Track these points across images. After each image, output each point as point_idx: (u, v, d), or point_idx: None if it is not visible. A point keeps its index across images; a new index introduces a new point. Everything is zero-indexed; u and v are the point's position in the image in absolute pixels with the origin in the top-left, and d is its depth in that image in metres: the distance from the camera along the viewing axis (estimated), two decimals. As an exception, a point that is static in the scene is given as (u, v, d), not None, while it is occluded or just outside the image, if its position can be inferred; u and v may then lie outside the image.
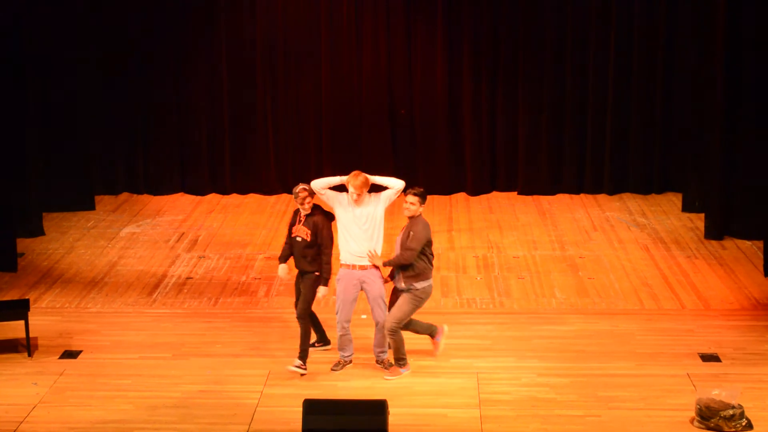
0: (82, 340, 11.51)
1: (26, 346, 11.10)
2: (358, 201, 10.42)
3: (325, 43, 16.53)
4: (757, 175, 13.87)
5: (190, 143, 16.94)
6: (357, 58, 16.59)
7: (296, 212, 10.76)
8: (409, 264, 10.27)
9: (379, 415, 8.78)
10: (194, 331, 11.77)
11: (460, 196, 16.72)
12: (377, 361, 10.73)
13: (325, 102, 16.72)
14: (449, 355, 10.95)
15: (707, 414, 9.44)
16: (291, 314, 10.94)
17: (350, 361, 10.77)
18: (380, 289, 10.54)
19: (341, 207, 10.50)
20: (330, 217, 10.67)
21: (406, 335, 10.58)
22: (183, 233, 15.16)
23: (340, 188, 10.54)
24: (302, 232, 10.61)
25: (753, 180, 14.02)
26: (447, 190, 16.79)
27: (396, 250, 10.45)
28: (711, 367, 10.66)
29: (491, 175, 16.88)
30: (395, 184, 10.56)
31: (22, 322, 11.10)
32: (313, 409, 8.84)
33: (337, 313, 10.61)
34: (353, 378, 10.55)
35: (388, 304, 10.61)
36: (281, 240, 14.74)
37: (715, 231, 14.44)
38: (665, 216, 15.55)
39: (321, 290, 10.64)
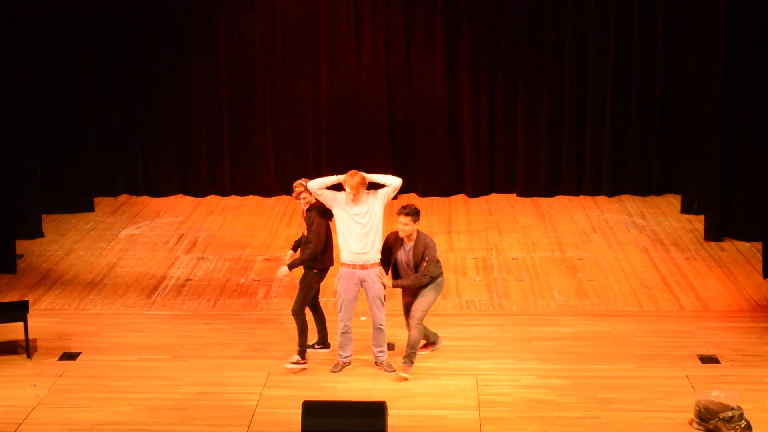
0: (82, 341, 11.51)
1: (25, 348, 11.10)
2: (355, 200, 10.43)
3: (324, 45, 16.53)
4: (756, 176, 13.88)
5: (189, 145, 16.93)
6: (356, 59, 16.58)
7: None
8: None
9: (378, 416, 8.78)
10: (193, 332, 11.77)
11: (460, 198, 16.72)
12: (376, 362, 10.74)
13: (324, 103, 16.72)
14: (448, 357, 10.95)
15: (706, 416, 9.45)
16: (290, 315, 10.93)
17: (349, 363, 10.77)
18: (380, 289, 10.54)
19: (339, 206, 10.50)
20: (326, 214, 10.66)
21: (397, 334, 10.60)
22: (182, 235, 15.16)
23: (339, 188, 10.54)
24: (303, 228, 10.65)
25: (752, 182, 14.02)
26: (446, 191, 16.79)
27: (402, 267, 10.54)
28: (710, 369, 10.67)
29: (490, 176, 16.88)
30: (393, 181, 10.56)
31: (21, 324, 11.10)
32: (312, 410, 8.84)
33: (339, 312, 10.62)
34: (352, 379, 10.56)
35: (403, 305, 10.80)
36: (280, 242, 14.84)
37: (714, 233, 14.45)
38: (664, 218, 15.55)
39: (281, 270, 10.76)
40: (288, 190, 16.80)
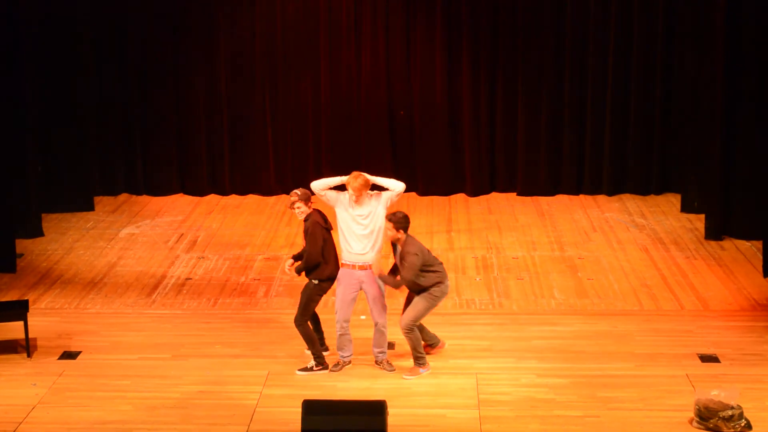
0: (82, 340, 11.51)
1: (25, 347, 11.10)
2: (357, 201, 10.43)
3: (324, 44, 16.53)
4: (756, 175, 13.87)
5: (189, 144, 16.93)
6: (356, 59, 16.59)
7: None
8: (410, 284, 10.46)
9: (378, 415, 8.78)
10: (193, 331, 11.77)
11: (460, 197, 16.72)
12: (376, 362, 10.74)
13: (324, 103, 16.72)
14: (448, 356, 10.95)
15: (706, 414, 9.45)
16: (290, 315, 10.94)
17: (349, 362, 10.78)
18: (379, 290, 10.54)
19: (341, 207, 10.51)
20: (324, 225, 10.61)
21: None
22: (182, 234, 15.16)
23: (342, 188, 10.55)
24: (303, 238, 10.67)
25: (752, 181, 14.02)
26: (446, 190, 16.80)
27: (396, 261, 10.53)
28: (710, 368, 10.67)
29: (490, 175, 16.88)
30: (396, 186, 10.56)
31: (21, 323, 11.10)
32: (312, 409, 8.84)
33: (336, 313, 10.62)
34: (352, 378, 10.56)
35: (404, 304, 10.68)
36: (280, 240, 14.84)
37: (714, 232, 14.45)
38: (664, 217, 15.55)
39: (287, 263, 10.80)
40: (288, 189, 16.85)
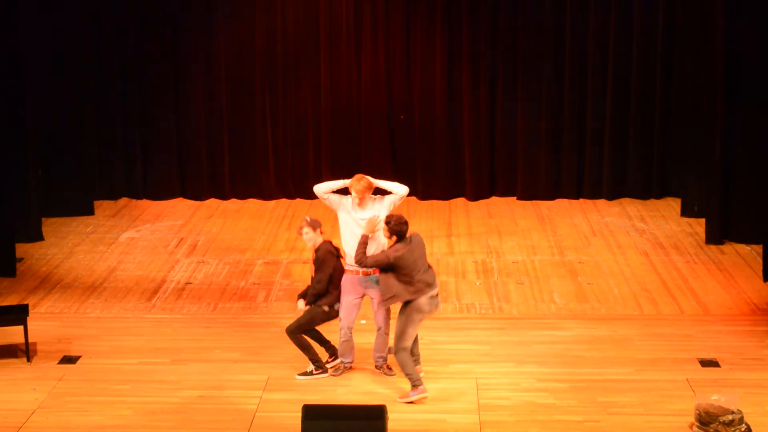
0: (81, 345, 11.50)
1: (25, 352, 11.10)
2: (360, 204, 10.42)
3: (324, 49, 16.54)
4: (756, 179, 13.87)
5: (189, 148, 16.93)
6: (356, 63, 16.59)
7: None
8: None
9: (378, 420, 8.78)
10: (193, 336, 11.77)
11: (459, 201, 16.72)
12: (376, 366, 10.73)
13: (324, 107, 16.72)
14: (448, 361, 10.95)
15: (706, 419, 9.44)
16: (290, 320, 10.93)
17: (350, 367, 10.77)
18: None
19: (344, 211, 10.50)
20: (335, 255, 10.59)
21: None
22: (182, 238, 15.16)
23: (344, 192, 10.55)
24: (311, 268, 10.65)
25: (752, 185, 14.01)
26: (446, 195, 16.80)
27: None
28: (710, 373, 10.66)
29: (490, 180, 16.88)
30: (399, 189, 10.55)
31: (21, 328, 11.09)
32: (312, 414, 8.84)
33: (340, 320, 10.61)
34: (352, 383, 10.55)
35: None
36: (280, 245, 14.84)
37: (714, 236, 14.44)
38: (664, 221, 15.55)
39: (300, 303, 10.66)
40: (288, 193, 16.90)
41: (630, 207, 16.22)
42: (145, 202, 16.82)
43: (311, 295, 10.59)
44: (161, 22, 16.49)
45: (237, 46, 16.62)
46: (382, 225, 10.31)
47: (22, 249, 14.40)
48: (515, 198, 16.74)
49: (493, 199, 16.79)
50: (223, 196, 16.97)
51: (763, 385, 10.39)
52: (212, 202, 16.84)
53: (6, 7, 13.91)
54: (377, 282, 10.36)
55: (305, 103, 16.74)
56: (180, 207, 16.64)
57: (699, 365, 10.82)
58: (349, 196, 10.51)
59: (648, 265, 13.78)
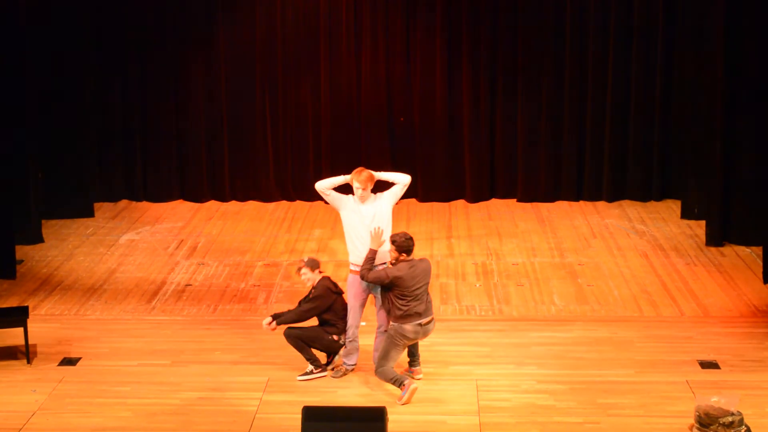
0: (81, 347, 11.50)
1: (25, 353, 11.10)
2: (363, 197, 10.41)
3: (324, 51, 16.54)
4: (756, 182, 13.87)
5: (189, 150, 16.94)
6: (356, 65, 16.60)
7: None
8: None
9: (378, 421, 8.78)
10: (193, 338, 11.77)
11: (460, 203, 16.72)
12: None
13: (324, 109, 16.72)
14: (448, 362, 10.95)
15: (706, 421, 9.44)
16: (290, 321, 10.95)
17: (352, 369, 10.76)
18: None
19: (346, 209, 10.49)
20: (333, 291, 10.62)
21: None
22: (182, 240, 15.16)
23: (346, 191, 10.55)
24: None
25: (752, 187, 14.01)
26: (446, 197, 16.80)
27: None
28: (710, 374, 10.66)
29: (490, 182, 16.88)
30: (402, 179, 10.54)
31: (21, 329, 11.09)
32: (312, 415, 8.84)
33: (348, 319, 10.62)
34: (352, 384, 10.55)
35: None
36: (280, 247, 14.83)
37: (714, 238, 14.45)
38: (664, 223, 15.55)
39: (264, 322, 10.62)
40: (288, 195, 16.90)
41: (630, 209, 16.22)
42: (145, 204, 16.82)
43: (290, 319, 10.58)
44: (161, 22, 16.49)
45: (237, 48, 16.62)
46: (388, 236, 10.36)
47: (22, 251, 14.40)
48: (515, 200, 16.75)
49: (493, 201, 16.79)
50: (223, 198, 16.97)
51: (762, 386, 10.38)
52: (212, 204, 16.85)
53: (7, 8, 13.91)
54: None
55: (305, 104, 16.75)
56: (180, 209, 16.64)
57: (699, 367, 10.82)
58: (350, 194, 10.52)
59: (648, 267, 13.78)
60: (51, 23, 15.46)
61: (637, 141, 16.43)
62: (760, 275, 13.22)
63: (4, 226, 13.53)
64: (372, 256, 10.26)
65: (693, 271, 13.61)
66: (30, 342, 11.15)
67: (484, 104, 16.59)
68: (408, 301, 10.13)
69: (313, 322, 10.74)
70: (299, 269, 10.68)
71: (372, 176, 10.44)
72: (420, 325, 10.21)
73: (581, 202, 16.59)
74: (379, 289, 10.38)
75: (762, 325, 11.85)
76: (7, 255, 13.57)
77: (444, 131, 16.69)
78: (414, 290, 10.14)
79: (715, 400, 9.51)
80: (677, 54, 15.97)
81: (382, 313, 10.54)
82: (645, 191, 16.57)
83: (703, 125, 14.82)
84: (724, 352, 11.15)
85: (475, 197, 16.76)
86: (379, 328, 10.63)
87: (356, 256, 10.47)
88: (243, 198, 16.98)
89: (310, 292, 10.66)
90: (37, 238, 15.00)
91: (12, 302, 12.73)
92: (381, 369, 10.26)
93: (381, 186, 10.62)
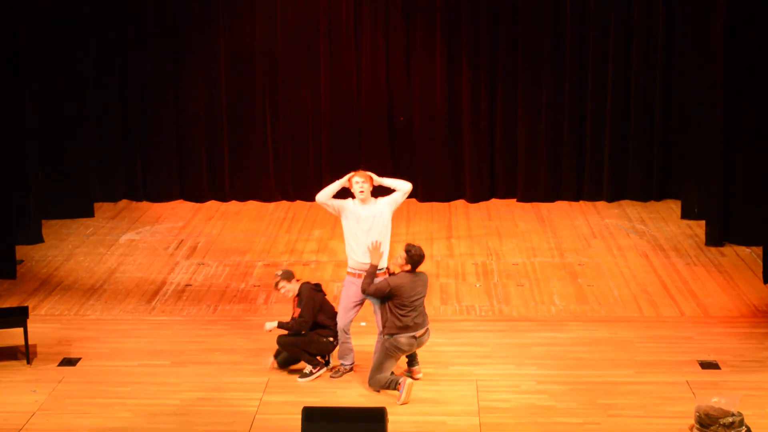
0: (81, 347, 11.50)
1: (25, 354, 11.09)
2: (363, 197, 10.39)
3: (324, 51, 16.54)
4: (756, 182, 13.87)
5: (189, 150, 16.94)
6: (356, 65, 16.60)
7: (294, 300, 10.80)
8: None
9: (378, 422, 8.77)
10: (193, 338, 11.77)
11: (459, 203, 16.72)
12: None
13: (324, 109, 16.73)
14: (448, 363, 10.95)
15: (707, 421, 9.44)
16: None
17: (350, 369, 10.77)
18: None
19: (346, 213, 10.48)
20: (317, 291, 10.68)
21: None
22: (182, 240, 15.16)
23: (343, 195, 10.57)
24: (293, 311, 10.67)
25: (752, 187, 14.01)
26: (446, 197, 16.80)
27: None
28: (710, 375, 10.66)
29: (490, 182, 16.88)
30: (403, 186, 10.53)
31: (21, 330, 11.09)
32: (312, 416, 8.83)
33: (339, 320, 10.63)
34: (352, 385, 10.55)
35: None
36: (280, 247, 14.83)
37: (714, 238, 14.44)
38: (664, 223, 15.55)
39: (268, 324, 10.65)
40: (288, 195, 16.90)
41: (630, 209, 16.22)
42: (145, 204, 16.82)
43: (293, 328, 10.61)
44: (162, 23, 16.49)
45: (237, 48, 16.62)
46: (388, 242, 10.41)
47: (22, 251, 14.40)
48: (515, 200, 16.75)
49: (493, 201, 16.79)
50: (223, 198, 16.97)
51: (763, 387, 10.38)
52: (212, 204, 16.85)
53: (6, 8, 13.91)
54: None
55: (305, 104, 16.75)
56: (180, 209, 16.64)
57: (699, 367, 10.82)
58: (350, 198, 10.52)
59: (648, 267, 13.78)
60: (51, 22, 15.45)
61: (637, 141, 16.43)
62: (761, 275, 13.22)
63: (4, 226, 13.53)
64: (373, 270, 10.30)
65: (693, 271, 13.61)
66: (30, 342, 11.15)
67: (484, 104, 16.59)
68: (408, 312, 10.18)
69: None
70: (277, 284, 10.67)
71: (371, 177, 10.45)
72: (414, 337, 10.26)
73: (581, 202, 16.60)
74: (378, 303, 10.39)
75: (762, 326, 11.85)
76: (7, 255, 13.57)
77: (444, 131, 16.69)
78: (413, 300, 10.20)
79: (716, 401, 9.50)
80: (677, 55, 15.96)
81: (379, 317, 10.53)
82: (645, 191, 16.58)
83: (703, 125, 14.81)
84: (724, 352, 11.15)
85: (475, 197, 16.76)
86: (378, 329, 10.60)
87: (353, 259, 10.47)
88: (243, 198, 16.98)
89: (298, 302, 10.64)
90: (37, 238, 15.00)
91: (12, 302, 12.73)
92: (373, 379, 10.31)
93: (382, 192, 10.61)
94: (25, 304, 12.35)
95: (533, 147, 16.61)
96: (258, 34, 16.57)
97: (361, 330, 11.29)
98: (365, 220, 10.39)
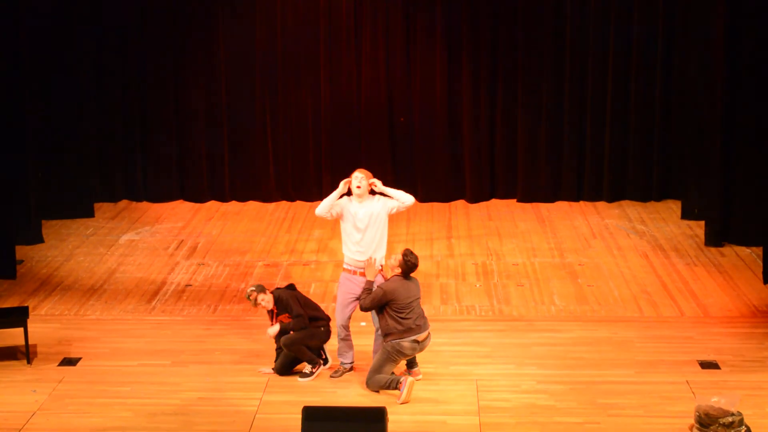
0: (81, 347, 11.50)
1: (25, 354, 11.09)
2: (360, 192, 10.40)
3: (324, 51, 16.54)
4: (756, 182, 13.87)
5: (189, 150, 16.94)
6: (356, 65, 16.59)
7: (269, 312, 10.74)
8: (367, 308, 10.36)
9: (378, 422, 8.77)
10: (193, 338, 11.77)
11: (460, 204, 16.72)
12: (376, 368, 10.73)
13: (324, 109, 16.72)
14: (448, 362, 10.95)
15: (706, 421, 9.44)
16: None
17: (350, 368, 10.77)
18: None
19: (344, 212, 10.48)
20: (288, 289, 10.75)
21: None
22: (182, 240, 15.16)
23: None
24: (269, 328, 10.67)
25: (752, 187, 14.01)
26: (446, 197, 16.80)
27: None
28: (710, 375, 10.66)
29: (490, 182, 16.88)
30: (405, 198, 10.49)
31: (21, 330, 11.09)
32: (312, 415, 8.83)
33: (336, 317, 10.65)
34: (352, 385, 10.55)
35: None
36: (280, 247, 14.82)
37: (714, 238, 14.44)
38: (664, 223, 15.55)
39: (272, 329, 10.63)
40: (288, 195, 16.90)
41: (630, 209, 16.22)
42: (145, 204, 16.82)
43: (296, 327, 10.61)
44: (162, 23, 16.48)
45: (237, 49, 16.62)
46: (384, 241, 10.47)
47: (22, 251, 14.40)
48: (515, 200, 16.74)
49: (493, 201, 16.79)
50: (223, 199, 16.97)
51: (763, 387, 10.38)
52: (212, 205, 16.85)
53: (6, 8, 13.91)
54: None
55: (305, 105, 16.75)
56: (180, 209, 16.64)
57: (699, 367, 10.82)
58: (346, 197, 10.54)
59: (648, 267, 13.78)
60: (50, 22, 15.45)
61: (637, 141, 16.43)
62: (761, 275, 13.22)
63: (4, 226, 13.52)
64: (369, 287, 10.34)
65: (693, 271, 13.61)
66: (30, 342, 11.15)
67: (484, 104, 16.59)
68: (407, 314, 10.21)
69: None
70: (255, 300, 10.61)
71: (370, 174, 10.48)
72: (417, 341, 10.28)
73: (581, 203, 16.59)
74: (377, 313, 10.42)
75: (762, 326, 11.85)
76: (7, 255, 13.57)
77: (444, 131, 16.69)
78: (410, 302, 10.24)
79: (716, 401, 9.50)
80: (677, 55, 15.96)
81: (377, 317, 10.52)
82: (645, 191, 16.57)
83: (703, 125, 14.81)
84: (724, 352, 11.15)
85: (475, 197, 16.76)
86: (377, 331, 10.62)
87: (348, 256, 10.51)
88: (243, 198, 16.98)
89: (280, 307, 10.62)
90: (37, 239, 15.00)
91: (12, 302, 12.73)
92: (371, 380, 10.33)
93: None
94: (26, 304, 12.36)
95: (533, 147, 16.61)
96: (258, 34, 16.57)
97: (359, 330, 11.28)
98: (362, 219, 10.42)
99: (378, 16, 16.42)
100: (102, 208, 16.53)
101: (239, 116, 16.80)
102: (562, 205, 16.52)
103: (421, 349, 10.40)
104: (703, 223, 14.93)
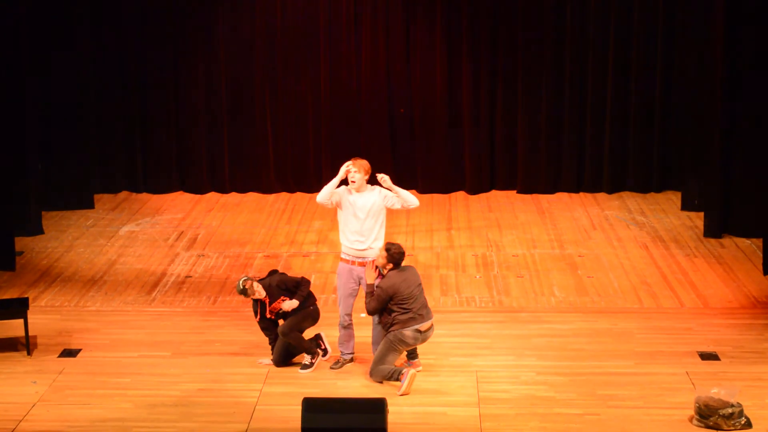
0: (82, 338, 11.51)
1: (25, 345, 11.10)
2: (356, 186, 10.40)
3: (324, 43, 16.53)
4: (756, 173, 13.87)
5: (189, 142, 16.93)
6: (356, 57, 16.58)
7: (255, 302, 10.68)
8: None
9: (378, 413, 8.79)
10: (193, 329, 11.77)
11: (459, 195, 16.72)
12: (376, 359, 10.74)
13: (324, 101, 16.71)
14: (448, 354, 10.95)
15: (706, 412, 9.45)
16: (290, 313, 10.95)
17: (350, 360, 10.78)
18: (379, 286, 10.55)
19: (342, 202, 10.48)
20: (271, 272, 10.82)
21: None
22: (182, 232, 15.16)
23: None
24: (282, 304, 10.61)
25: (752, 178, 14.01)
26: (446, 188, 16.80)
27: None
28: (710, 366, 10.67)
29: (490, 173, 16.87)
30: (410, 200, 10.49)
31: (21, 321, 11.10)
32: (312, 407, 8.85)
33: (339, 307, 10.67)
34: (353, 376, 10.56)
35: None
36: (280, 238, 14.83)
37: (714, 229, 14.44)
38: (664, 214, 15.55)
39: (288, 303, 10.58)
40: (288, 187, 16.89)
41: (630, 200, 16.22)
42: (145, 196, 16.82)
43: (304, 294, 10.67)
44: (162, 17, 16.47)
45: (237, 41, 16.60)
46: (381, 237, 10.48)
47: (22, 242, 14.40)
48: (515, 191, 16.74)
49: (493, 192, 16.79)
50: (223, 190, 16.97)
51: (762, 378, 10.39)
52: (212, 196, 16.84)
53: (6, 6, 13.89)
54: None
55: (305, 96, 16.74)
56: (180, 200, 16.64)
57: (699, 358, 10.83)
58: (343, 186, 10.54)
59: (648, 258, 13.78)
60: (50, 19, 15.42)
61: (637, 132, 16.42)
62: (760, 267, 13.23)
63: (4, 217, 13.53)
64: (371, 290, 10.35)
65: (693, 262, 13.61)
66: (30, 333, 11.15)
67: (484, 96, 16.57)
68: (410, 304, 10.22)
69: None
70: (247, 291, 10.52)
71: (368, 166, 10.47)
72: (419, 331, 10.28)
73: (581, 194, 16.59)
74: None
75: (762, 317, 11.85)
76: (7, 247, 13.57)
77: (444, 123, 16.68)
78: (412, 291, 10.24)
79: (715, 392, 9.51)
80: (677, 47, 15.93)
81: None
82: (645, 183, 16.57)
83: (703, 116, 14.80)
84: (723, 343, 11.15)
85: (475, 189, 16.76)
86: (374, 320, 10.63)
87: (346, 246, 10.52)
88: (243, 189, 16.98)
89: (273, 293, 10.61)
90: (37, 230, 14.99)
91: (12, 294, 12.73)
92: (375, 371, 10.34)
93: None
94: (26, 296, 12.37)
95: (533, 138, 16.60)
96: (258, 27, 16.55)
97: (360, 321, 11.29)
98: (360, 209, 10.42)
99: (378, 7, 16.40)
100: (102, 200, 16.53)
101: (239, 107, 16.79)
102: (562, 197, 16.52)
103: (424, 340, 10.41)
104: (702, 214, 14.93)
